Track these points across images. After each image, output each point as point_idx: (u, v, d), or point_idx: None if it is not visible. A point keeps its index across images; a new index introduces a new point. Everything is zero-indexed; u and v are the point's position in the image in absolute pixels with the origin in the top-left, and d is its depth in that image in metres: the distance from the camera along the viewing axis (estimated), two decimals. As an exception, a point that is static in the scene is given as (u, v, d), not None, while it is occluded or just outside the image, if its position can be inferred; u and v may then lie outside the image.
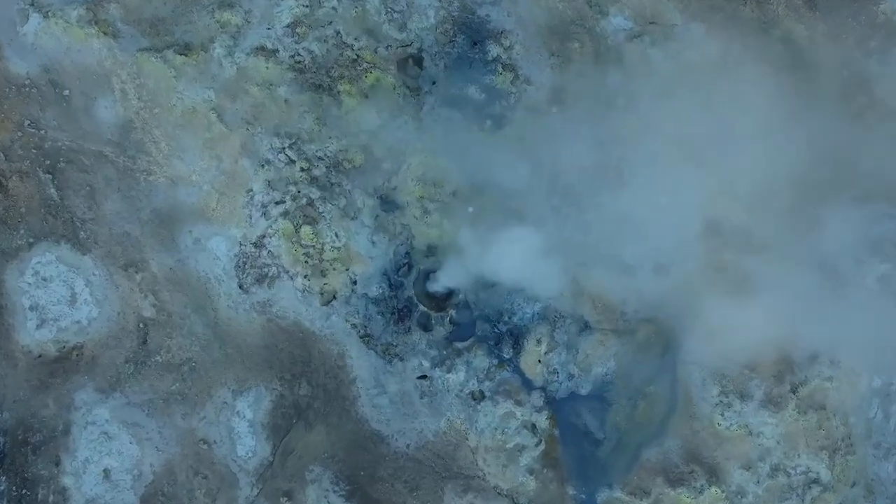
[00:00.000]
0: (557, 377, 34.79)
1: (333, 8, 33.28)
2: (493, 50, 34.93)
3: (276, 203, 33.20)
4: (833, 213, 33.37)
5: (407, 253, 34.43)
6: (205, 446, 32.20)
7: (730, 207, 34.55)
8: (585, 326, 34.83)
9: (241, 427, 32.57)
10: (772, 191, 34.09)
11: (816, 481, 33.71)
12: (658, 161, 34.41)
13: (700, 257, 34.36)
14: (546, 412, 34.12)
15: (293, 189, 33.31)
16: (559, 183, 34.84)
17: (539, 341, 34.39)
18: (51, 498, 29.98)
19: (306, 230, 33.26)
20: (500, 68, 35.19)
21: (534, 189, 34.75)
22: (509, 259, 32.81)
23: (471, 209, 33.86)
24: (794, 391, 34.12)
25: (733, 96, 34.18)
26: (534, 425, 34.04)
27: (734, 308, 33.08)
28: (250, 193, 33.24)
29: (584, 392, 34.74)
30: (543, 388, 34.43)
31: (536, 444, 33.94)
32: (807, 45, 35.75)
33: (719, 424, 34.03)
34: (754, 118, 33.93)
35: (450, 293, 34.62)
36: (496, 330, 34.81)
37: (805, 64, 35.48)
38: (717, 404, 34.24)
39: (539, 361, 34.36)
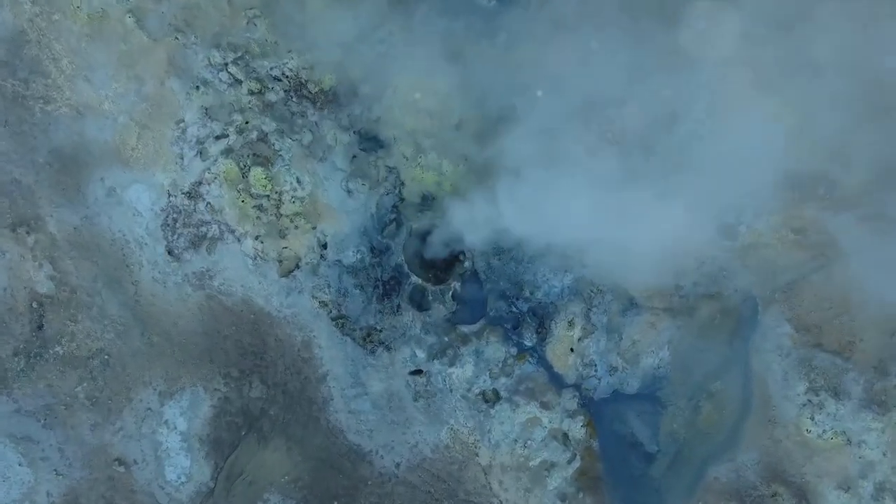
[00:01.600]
0: (595, 371, 31.68)
1: None
2: (506, -58, 30.92)
3: (217, 138, 29.75)
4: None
5: (394, 206, 31.30)
6: (121, 469, 29.18)
7: (811, 152, 30.45)
8: (631, 304, 31.45)
9: (172, 442, 29.55)
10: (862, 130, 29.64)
11: (933, 503, 30.18)
12: (721, 92, 30.79)
13: (775, 215, 30.87)
14: (581, 417, 31.15)
15: (239, 119, 29.89)
16: (596, 117, 30.94)
17: (571, 324, 31.21)
18: None
19: (257, 174, 29.77)
20: (515, -34, 31.08)
21: (564, 125, 30.82)
22: (521, 213, 29.84)
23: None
24: (902, 386, 29.82)
25: (814, 13, 29.89)
26: (565, 435, 31.03)
27: (819, 279, 30.24)
28: (181, 126, 29.90)
29: (630, 390, 31.71)
30: (577, 386, 31.52)
31: (569, 461, 30.93)
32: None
33: (809, 431, 30.12)
34: (843, 39, 29.80)
35: (453, 260, 31.71)
36: (514, 309, 31.71)
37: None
38: (804, 405, 30.30)
39: (571, 350, 31.33)
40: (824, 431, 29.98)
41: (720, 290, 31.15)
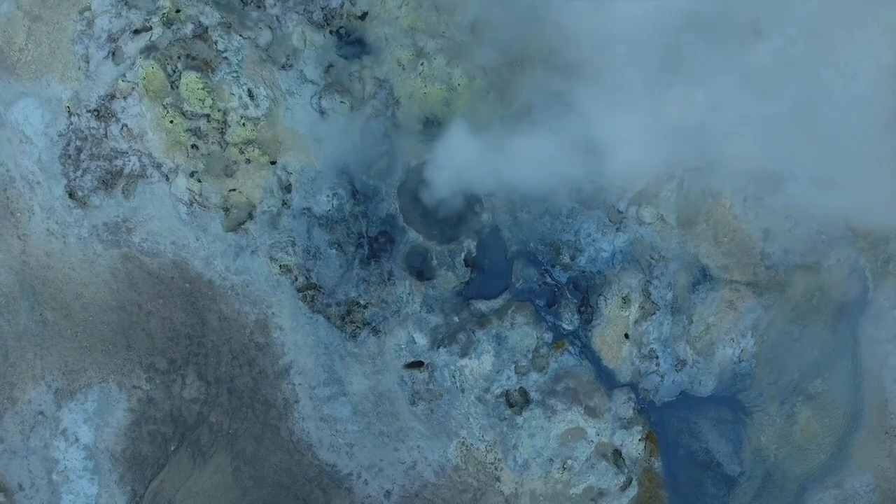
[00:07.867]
0: (657, 365, 29.13)
1: None
2: None
3: (136, 32, 26.22)
4: None
5: (386, 133, 28.15)
6: (1, 497, 26.10)
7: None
8: (703, 276, 29.22)
9: (72, 460, 26.23)
10: None
11: None
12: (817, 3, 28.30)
13: (885, 160, 28.05)
14: (639, 428, 28.64)
15: (167, 6, 26.35)
16: (656, 25, 27.78)
17: (625, 301, 28.52)
18: None
19: (191, 82, 25.78)
20: None
21: (612, 32, 27.93)
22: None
23: None
24: None
25: None
26: (618, 452, 28.52)
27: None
28: (86, 16, 26.59)
29: (703, 391, 29.31)
30: (634, 386, 29.09)
31: (623, 487, 28.36)
32: None
33: (943, 448, 27.27)
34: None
35: (465, 209, 28.85)
36: (549, 280, 28.97)
37: None
38: (935, 412, 27.47)
39: (626, 336, 28.79)
40: (964, 449, 26.91)
41: (819, 259, 28.77)
